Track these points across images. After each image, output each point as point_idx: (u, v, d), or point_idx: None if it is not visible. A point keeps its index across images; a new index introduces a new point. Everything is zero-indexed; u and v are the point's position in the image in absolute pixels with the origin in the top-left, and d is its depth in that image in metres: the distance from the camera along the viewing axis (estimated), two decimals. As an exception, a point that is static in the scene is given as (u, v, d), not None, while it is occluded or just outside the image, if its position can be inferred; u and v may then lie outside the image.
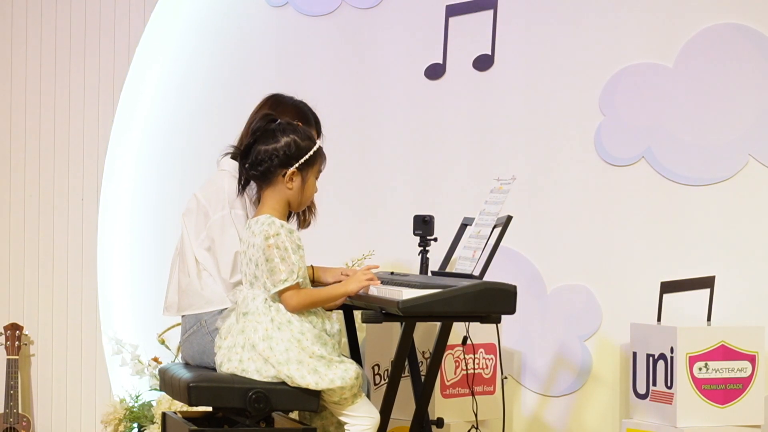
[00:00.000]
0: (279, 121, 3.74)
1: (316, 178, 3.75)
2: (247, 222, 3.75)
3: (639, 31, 4.80)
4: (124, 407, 5.20)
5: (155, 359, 5.24)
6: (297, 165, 3.68)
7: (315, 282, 4.05)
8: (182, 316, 3.97)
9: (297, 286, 3.60)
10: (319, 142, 3.74)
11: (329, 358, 3.59)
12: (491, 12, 5.00)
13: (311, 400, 3.59)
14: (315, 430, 3.71)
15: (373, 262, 4.79)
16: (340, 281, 3.94)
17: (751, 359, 4.36)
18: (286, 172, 3.67)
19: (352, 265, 4.85)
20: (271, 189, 3.70)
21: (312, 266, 4.05)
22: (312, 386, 3.56)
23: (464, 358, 4.51)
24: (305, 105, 4.12)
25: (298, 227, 3.97)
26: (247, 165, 3.71)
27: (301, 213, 3.99)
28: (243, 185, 3.79)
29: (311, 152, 3.70)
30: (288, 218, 3.80)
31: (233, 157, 3.95)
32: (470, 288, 3.50)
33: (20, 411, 5.21)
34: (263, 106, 4.09)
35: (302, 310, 3.62)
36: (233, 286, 3.82)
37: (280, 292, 3.59)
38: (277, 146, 3.68)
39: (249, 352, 3.61)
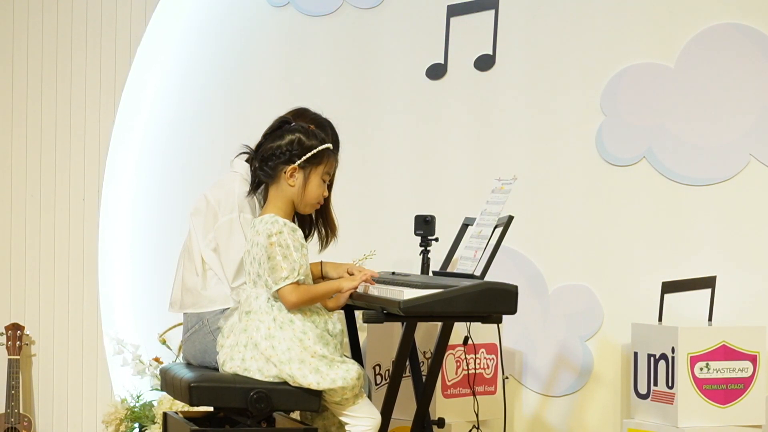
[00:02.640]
0: (293, 123, 3.75)
1: (325, 181, 3.74)
2: (252, 222, 3.76)
3: (640, 31, 4.80)
4: (126, 407, 5.20)
5: (156, 359, 5.24)
6: (299, 162, 3.68)
7: (322, 278, 4.05)
8: (184, 315, 3.98)
9: (296, 284, 3.61)
10: (327, 144, 3.73)
11: (331, 357, 3.60)
12: (492, 12, 5.00)
13: (312, 400, 3.59)
14: (316, 430, 3.71)
15: (375, 262, 4.79)
16: (341, 277, 3.97)
17: (752, 359, 4.36)
18: (287, 169, 3.68)
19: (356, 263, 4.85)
20: (275, 187, 3.71)
21: (322, 262, 4.06)
22: (313, 386, 3.56)
23: (465, 358, 4.51)
24: (327, 121, 4.07)
25: (321, 247, 3.98)
26: (257, 165, 3.73)
27: (323, 232, 3.98)
28: (255, 186, 3.80)
29: (315, 150, 3.70)
30: (309, 234, 3.87)
31: (246, 159, 3.94)
32: (471, 288, 3.51)
33: (21, 411, 5.20)
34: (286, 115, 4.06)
35: (300, 306, 3.62)
36: (235, 289, 3.83)
37: (279, 289, 3.60)
38: (282, 143, 3.69)
39: (251, 351, 3.61)
